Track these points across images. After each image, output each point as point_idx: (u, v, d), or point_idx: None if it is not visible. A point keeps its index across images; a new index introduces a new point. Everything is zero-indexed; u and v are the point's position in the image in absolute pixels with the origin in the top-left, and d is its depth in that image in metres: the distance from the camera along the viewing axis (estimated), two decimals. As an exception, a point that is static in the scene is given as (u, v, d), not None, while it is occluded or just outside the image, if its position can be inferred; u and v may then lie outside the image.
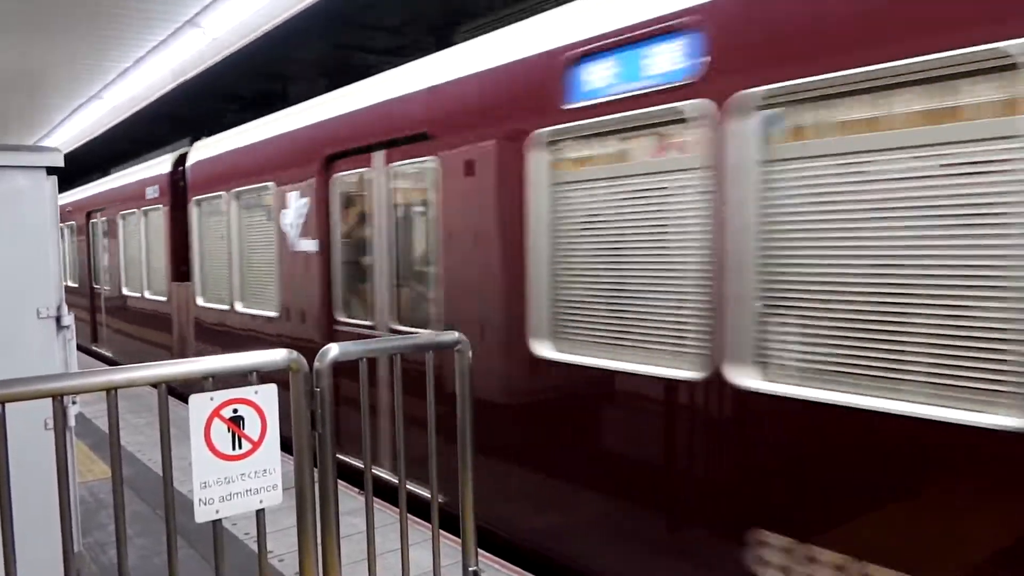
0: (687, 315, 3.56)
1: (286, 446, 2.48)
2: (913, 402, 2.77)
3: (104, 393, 2.19)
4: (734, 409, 3.31)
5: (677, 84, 3.44)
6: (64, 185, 4.46)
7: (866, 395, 2.90)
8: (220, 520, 2.42)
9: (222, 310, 8.03)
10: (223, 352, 8.21)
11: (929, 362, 2.75)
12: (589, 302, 4.06)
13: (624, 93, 3.67)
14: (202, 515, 2.35)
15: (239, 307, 7.69)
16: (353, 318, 5.99)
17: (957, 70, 2.59)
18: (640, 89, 3.60)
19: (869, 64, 2.76)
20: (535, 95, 4.14)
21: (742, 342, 3.27)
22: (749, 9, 3.15)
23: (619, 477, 3.87)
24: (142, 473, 6.01)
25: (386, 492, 4.78)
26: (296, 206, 6.46)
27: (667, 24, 3.45)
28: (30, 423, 2.92)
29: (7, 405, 2.02)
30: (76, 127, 15.07)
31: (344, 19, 9.60)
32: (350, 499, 5.11)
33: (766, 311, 3.22)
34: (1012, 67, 2.44)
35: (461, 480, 3.15)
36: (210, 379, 2.36)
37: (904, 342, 2.82)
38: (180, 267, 9.34)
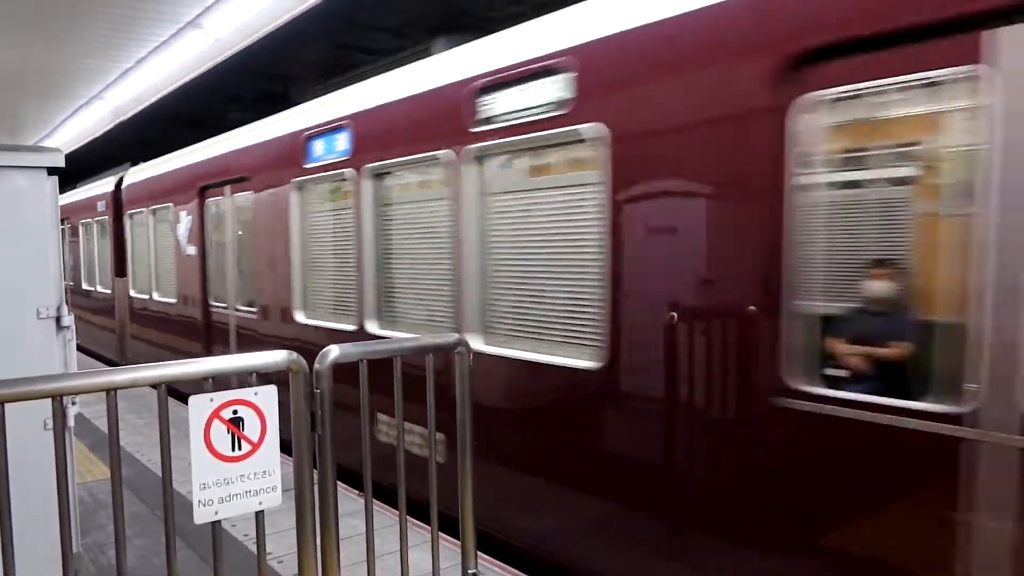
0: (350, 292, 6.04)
1: (286, 448, 2.47)
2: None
3: (103, 393, 2.19)
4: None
5: (344, 159, 5.89)
6: (65, 186, 4.72)
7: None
8: (219, 521, 2.42)
9: (145, 298, 10.62)
10: (148, 330, 10.49)
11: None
12: (322, 284, 6.56)
13: (327, 160, 6.14)
14: (201, 516, 2.35)
15: (155, 296, 10.24)
16: (218, 302, 8.41)
17: (426, 163, 5.13)
18: (333, 159, 6.05)
19: (393, 158, 5.40)
20: (293, 156, 6.61)
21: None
22: (365, 120, 5.68)
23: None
24: (141, 474, 6.00)
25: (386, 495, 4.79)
26: (185, 222, 8.97)
27: (341, 123, 5.94)
28: (29, 423, 2.92)
29: (7, 405, 2.01)
30: (78, 127, 15.08)
31: (346, 20, 9.60)
32: (350, 501, 5.10)
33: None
34: (439, 163, 4.95)
35: (460, 482, 3.15)
36: (210, 380, 2.36)
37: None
38: (120, 266, 11.73)
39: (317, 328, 6.40)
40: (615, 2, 3.89)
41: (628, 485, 3.86)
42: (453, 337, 3.10)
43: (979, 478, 2.52)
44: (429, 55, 5.47)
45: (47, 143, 16.50)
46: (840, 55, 2.84)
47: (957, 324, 2.62)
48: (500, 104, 4.42)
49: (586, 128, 3.87)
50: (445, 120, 4.82)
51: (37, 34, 9.00)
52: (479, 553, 3.36)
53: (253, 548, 4.30)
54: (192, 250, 8.70)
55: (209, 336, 8.53)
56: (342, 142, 5.91)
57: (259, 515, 2.50)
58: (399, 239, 5.58)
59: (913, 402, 2.70)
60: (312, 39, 10.08)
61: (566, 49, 3.99)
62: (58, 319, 3.31)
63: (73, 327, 3.39)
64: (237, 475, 2.40)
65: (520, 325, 4.57)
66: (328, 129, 6.08)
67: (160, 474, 2.33)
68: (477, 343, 4.67)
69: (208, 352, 8.61)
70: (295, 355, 2.52)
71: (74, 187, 15.33)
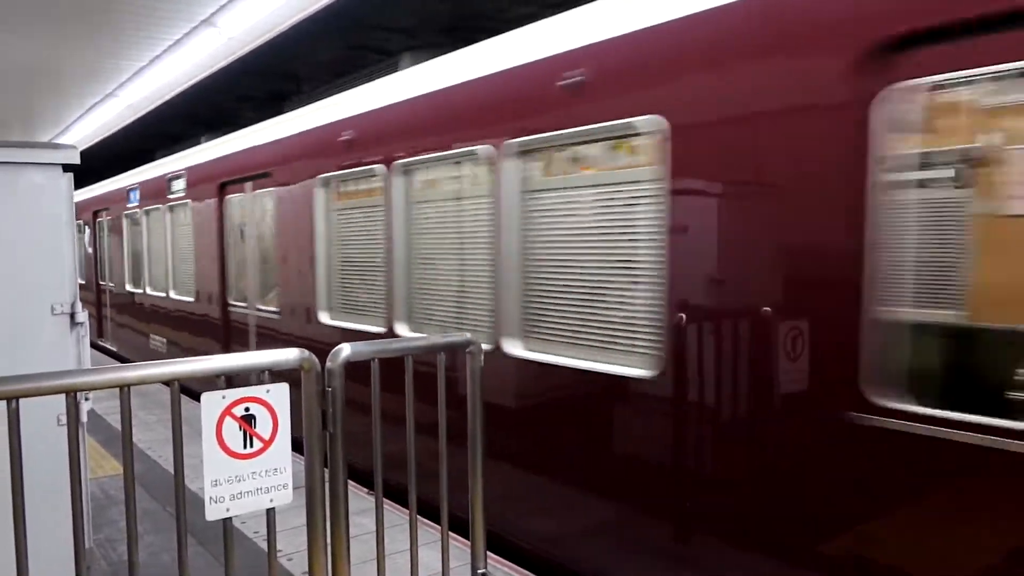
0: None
1: (297, 445, 2.47)
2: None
3: (115, 389, 2.20)
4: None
5: (138, 204, 12.06)
6: (80, 182, 4.94)
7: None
8: (230, 518, 2.42)
9: None
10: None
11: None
12: (138, 270, 12.08)
13: (133, 204, 12.30)
14: (212, 513, 2.35)
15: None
16: (103, 281, 14.36)
17: (157, 210, 11.42)
18: (134, 204, 12.25)
19: (149, 206, 11.65)
20: (123, 200, 12.67)
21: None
22: (142, 185, 12.01)
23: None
24: (152, 470, 6.03)
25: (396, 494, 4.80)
26: (87, 232, 15.13)
27: (135, 185, 12.30)
28: (43, 419, 2.93)
29: (21, 400, 2.02)
30: (92, 125, 15.19)
31: (357, 20, 9.62)
32: (360, 499, 5.10)
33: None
34: (160, 211, 11.44)
35: (471, 482, 3.14)
36: (222, 377, 2.36)
37: None
38: None
39: (132, 292, 12.13)
40: (200, 149, 9.58)
41: None
42: (464, 336, 3.09)
43: None
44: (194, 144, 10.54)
45: (61, 140, 16.64)
46: (232, 185, 8.24)
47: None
48: (174, 186, 10.09)
49: (186, 202, 9.61)
50: (161, 191, 10.57)
51: (54, 32, 9.07)
52: (489, 553, 3.35)
53: (263, 545, 4.30)
54: (91, 250, 15.01)
55: (100, 301, 14.46)
56: (137, 195, 11.86)
57: (270, 512, 2.50)
58: (153, 248, 11.29)
59: None
60: (325, 39, 10.11)
61: (185, 167, 9.66)
62: (72, 315, 3.33)
63: (87, 323, 3.41)
64: (248, 472, 2.40)
65: (186, 290, 9.87)
66: (131, 188, 12.07)
67: (172, 471, 2.34)
68: (172, 294, 10.36)
69: (99, 310, 14.39)
70: (307, 353, 2.52)
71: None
